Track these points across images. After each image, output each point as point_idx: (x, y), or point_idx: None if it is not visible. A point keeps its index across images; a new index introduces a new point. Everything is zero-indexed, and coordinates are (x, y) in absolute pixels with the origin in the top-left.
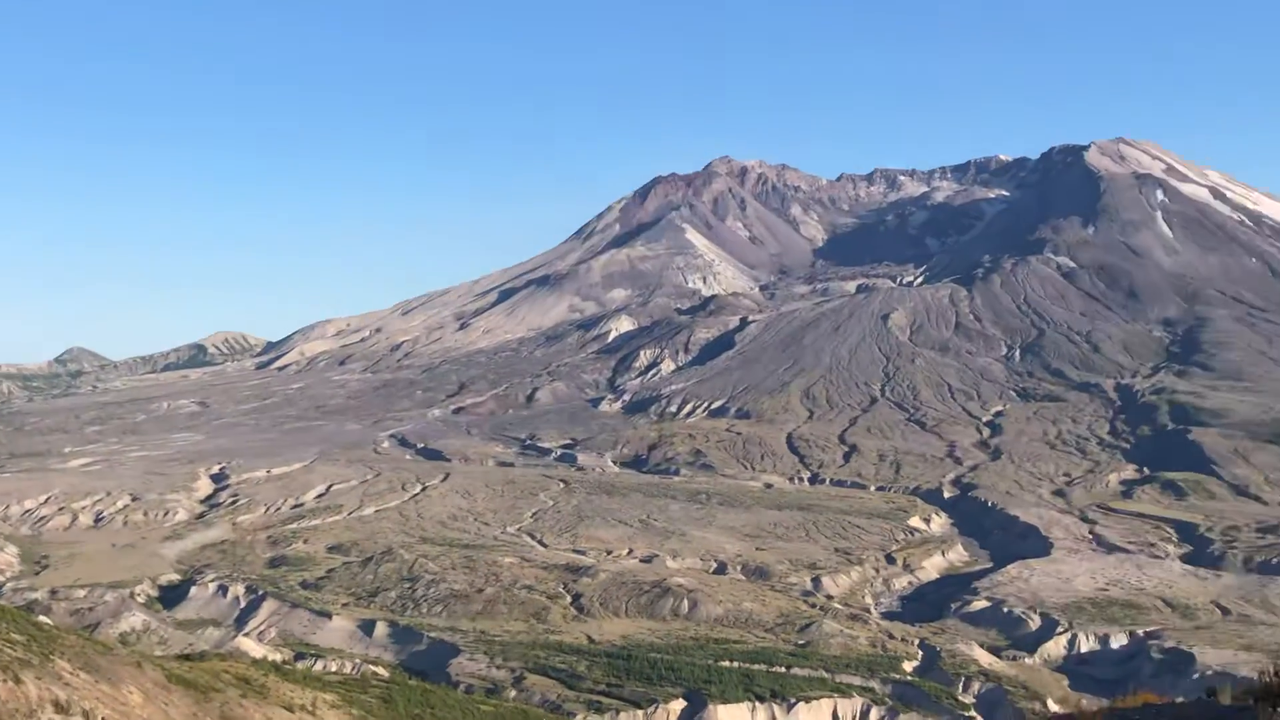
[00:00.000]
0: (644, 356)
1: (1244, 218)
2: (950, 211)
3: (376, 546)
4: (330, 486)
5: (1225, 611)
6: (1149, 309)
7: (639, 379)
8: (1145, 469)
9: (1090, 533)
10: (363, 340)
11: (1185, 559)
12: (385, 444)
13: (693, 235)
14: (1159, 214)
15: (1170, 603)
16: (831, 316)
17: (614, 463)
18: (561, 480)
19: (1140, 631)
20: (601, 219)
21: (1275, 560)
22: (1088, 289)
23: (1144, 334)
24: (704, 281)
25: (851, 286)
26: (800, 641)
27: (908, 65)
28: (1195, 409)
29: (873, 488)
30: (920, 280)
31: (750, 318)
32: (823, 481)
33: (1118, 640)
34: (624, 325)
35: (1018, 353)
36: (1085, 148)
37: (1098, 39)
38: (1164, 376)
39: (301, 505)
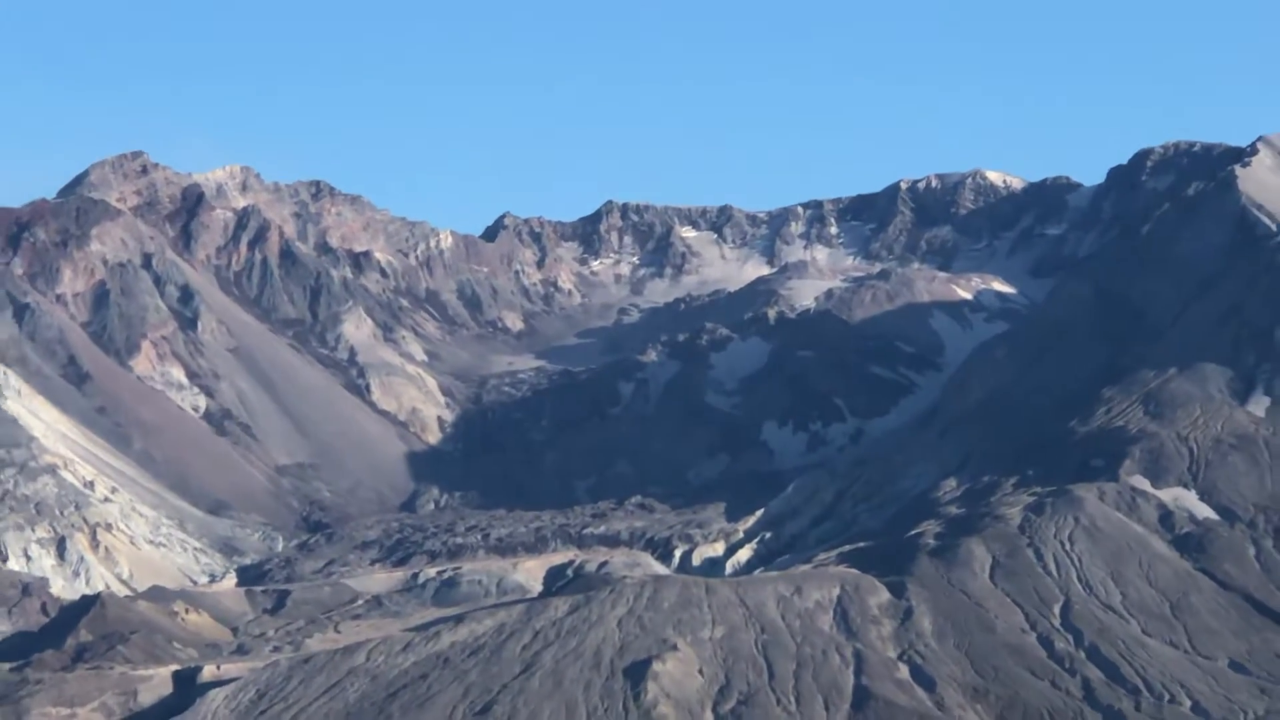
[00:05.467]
0: None
1: None
2: (841, 339)
3: None
4: None
5: None
6: None
7: None
8: None
9: None
10: None
11: None
12: None
13: (25, 404)
14: None
15: None
16: (470, 671)
17: None
18: None
19: None
20: None
21: None
22: (1240, 583)
23: None
24: (59, 555)
25: (531, 573)
26: None
27: None
28: None
29: None
30: (748, 553)
31: (213, 671)
32: None
33: None
34: None
35: None
36: (1243, 155)
37: None
38: None
39: None
